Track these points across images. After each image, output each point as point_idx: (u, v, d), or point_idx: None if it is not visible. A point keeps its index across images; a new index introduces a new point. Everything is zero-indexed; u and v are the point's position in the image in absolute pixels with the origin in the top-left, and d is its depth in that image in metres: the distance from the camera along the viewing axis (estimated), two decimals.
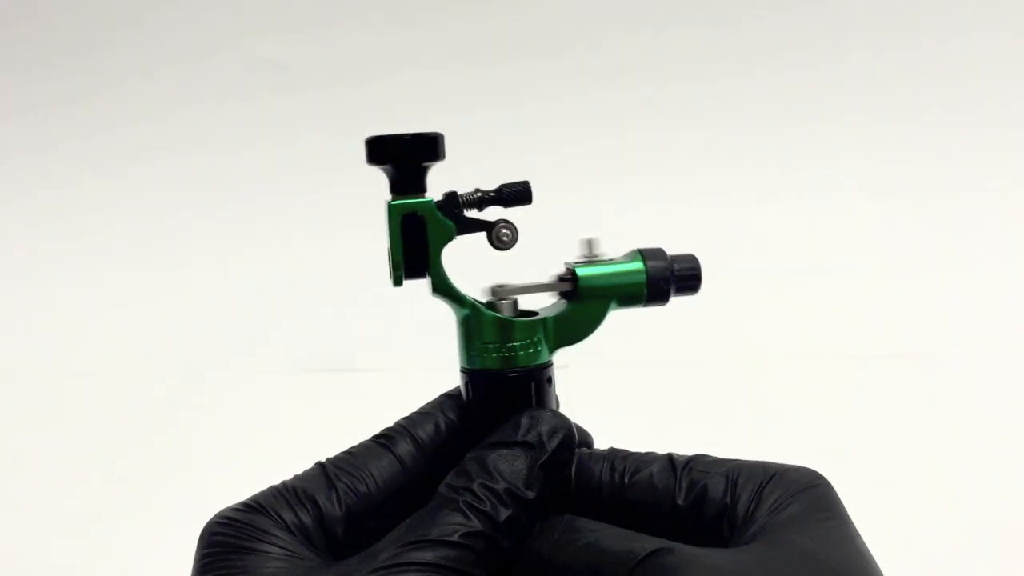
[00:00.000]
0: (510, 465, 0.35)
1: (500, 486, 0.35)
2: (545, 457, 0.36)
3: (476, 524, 0.34)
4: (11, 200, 1.22)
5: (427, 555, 0.32)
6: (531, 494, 0.35)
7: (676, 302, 0.41)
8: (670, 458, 0.38)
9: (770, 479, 0.36)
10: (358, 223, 1.02)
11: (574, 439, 0.38)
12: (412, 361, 0.99)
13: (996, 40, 1.13)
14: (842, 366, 0.96)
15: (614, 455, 0.39)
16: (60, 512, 0.83)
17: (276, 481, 0.38)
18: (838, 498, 0.36)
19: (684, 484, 0.37)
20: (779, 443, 0.80)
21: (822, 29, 1.14)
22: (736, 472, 0.37)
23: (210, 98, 1.20)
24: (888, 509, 0.72)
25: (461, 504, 0.34)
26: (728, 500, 0.36)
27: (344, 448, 0.40)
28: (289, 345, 1.06)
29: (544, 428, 0.37)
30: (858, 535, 0.35)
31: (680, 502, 0.37)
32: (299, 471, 0.39)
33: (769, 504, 0.35)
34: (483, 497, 0.34)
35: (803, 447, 0.76)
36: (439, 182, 0.40)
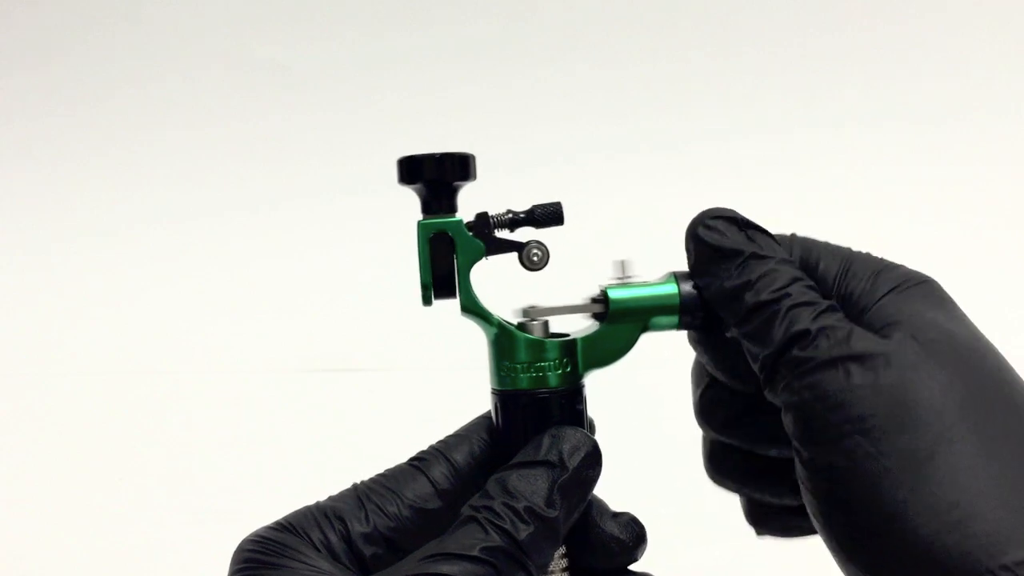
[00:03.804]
0: (530, 484, 0.36)
1: (520, 504, 0.35)
2: (566, 476, 0.36)
3: (496, 539, 0.34)
4: (10, 200, 1.21)
5: (444, 567, 0.33)
6: (552, 512, 0.35)
7: None
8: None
9: (883, 268, 0.37)
10: (360, 222, 1.02)
11: (598, 457, 0.38)
12: (413, 361, 0.98)
13: (993, 41, 1.13)
14: None
15: None
16: (60, 512, 0.83)
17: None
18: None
19: (797, 252, 0.38)
20: None
21: (822, 33, 1.14)
22: (849, 260, 0.38)
23: (211, 98, 1.20)
24: None
25: (480, 520, 0.34)
26: (841, 280, 0.37)
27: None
28: (289, 345, 1.06)
29: (566, 446, 0.37)
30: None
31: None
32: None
33: (885, 289, 0.36)
34: (502, 515, 0.34)
35: None
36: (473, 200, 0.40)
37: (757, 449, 0.41)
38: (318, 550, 0.36)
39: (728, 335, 0.39)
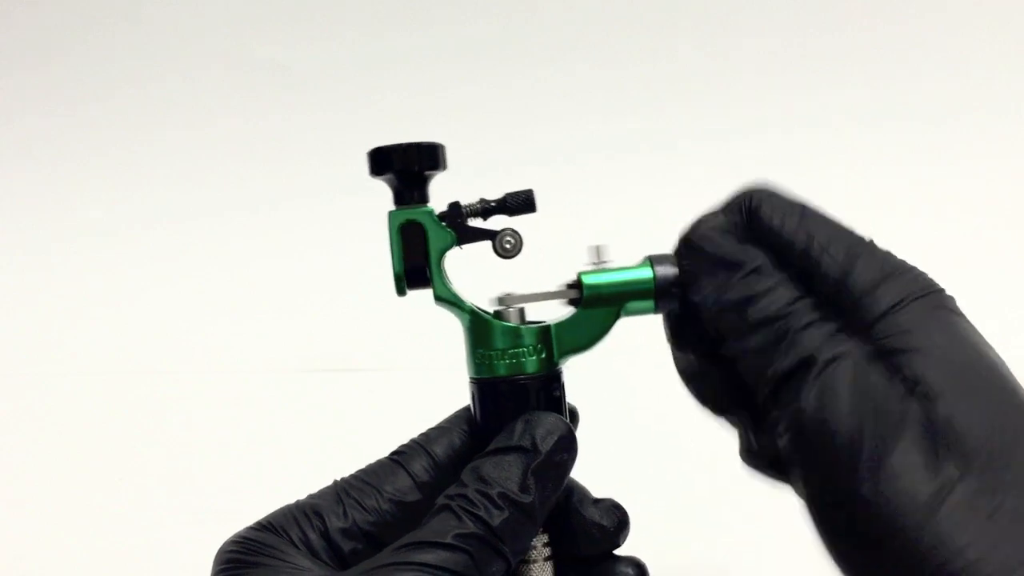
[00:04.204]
0: (503, 470, 0.35)
1: (494, 491, 0.35)
2: (539, 460, 0.36)
3: (470, 526, 0.34)
4: (10, 200, 1.21)
5: (417, 556, 0.33)
6: (527, 497, 0.35)
7: None
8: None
9: (884, 278, 0.35)
10: (360, 222, 1.01)
11: (572, 441, 0.37)
12: (413, 361, 0.98)
13: (993, 41, 1.13)
14: None
15: None
16: (60, 512, 0.83)
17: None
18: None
19: (801, 241, 0.37)
20: None
21: (822, 33, 1.14)
22: (852, 260, 0.36)
23: (211, 98, 1.20)
24: None
25: (454, 508, 0.34)
26: (842, 283, 0.35)
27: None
28: (289, 345, 1.06)
29: (539, 431, 0.37)
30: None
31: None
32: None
33: (885, 305, 0.34)
34: (476, 502, 0.34)
35: None
36: (452, 192, 0.40)
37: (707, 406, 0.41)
38: (297, 548, 0.36)
39: (724, 352, 0.38)
